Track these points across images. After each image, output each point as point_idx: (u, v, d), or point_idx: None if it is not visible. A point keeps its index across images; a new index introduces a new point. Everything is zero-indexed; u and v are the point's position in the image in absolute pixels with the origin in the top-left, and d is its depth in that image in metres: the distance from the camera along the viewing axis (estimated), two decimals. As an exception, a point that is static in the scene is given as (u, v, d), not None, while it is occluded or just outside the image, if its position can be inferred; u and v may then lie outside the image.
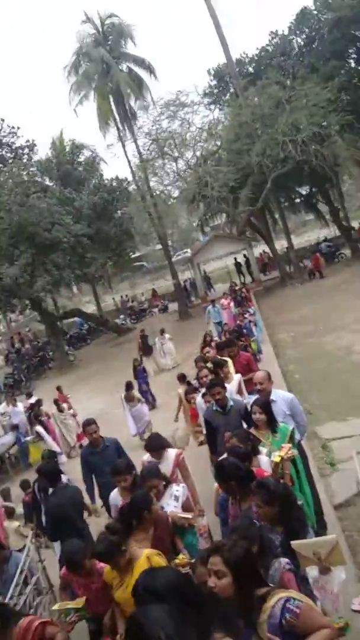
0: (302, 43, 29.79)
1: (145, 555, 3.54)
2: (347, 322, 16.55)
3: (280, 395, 5.51)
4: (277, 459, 4.22)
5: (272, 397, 5.32)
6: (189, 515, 4.42)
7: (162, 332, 19.39)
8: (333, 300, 20.75)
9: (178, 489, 4.62)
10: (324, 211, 35.67)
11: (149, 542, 3.95)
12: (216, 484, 4.40)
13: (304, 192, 34.11)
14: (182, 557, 3.76)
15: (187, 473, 5.27)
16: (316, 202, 34.73)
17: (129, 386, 11.98)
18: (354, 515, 5.90)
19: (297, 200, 35.73)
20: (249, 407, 5.47)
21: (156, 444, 5.21)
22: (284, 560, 3.02)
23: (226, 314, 19.06)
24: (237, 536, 2.81)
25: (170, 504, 4.52)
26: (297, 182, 31.35)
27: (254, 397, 5.72)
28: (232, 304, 19.65)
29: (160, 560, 3.55)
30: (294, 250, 30.82)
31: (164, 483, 4.57)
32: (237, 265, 33.90)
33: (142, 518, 3.96)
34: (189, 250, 36.57)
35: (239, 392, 7.20)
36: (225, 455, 4.25)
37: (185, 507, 4.58)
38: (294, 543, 3.22)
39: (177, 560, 3.73)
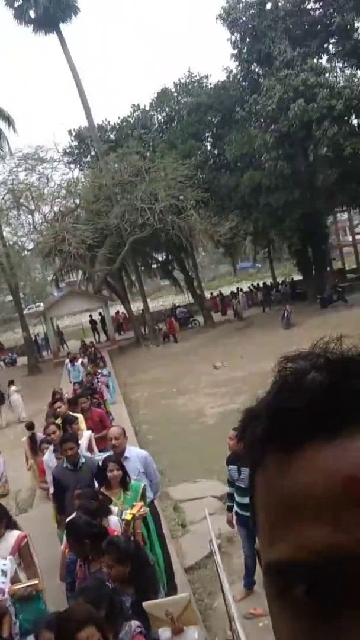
0: (163, 120, 31.74)
1: None
2: (199, 386, 17.03)
3: (134, 453, 5.37)
4: (129, 517, 4.00)
5: (126, 454, 5.16)
6: (34, 582, 3.91)
7: (11, 383, 18.22)
8: (186, 363, 21.32)
9: (5, 563, 3.96)
10: (179, 278, 37.19)
11: None
12: (62, 547, 4.00)
13: (160, 258, 35.34)
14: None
15: (30, 560, 4.27)
16: (172, 269, 36.10)
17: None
18: (205, 577, 5.74)
19: (154, 265, 36.89)
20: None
21: None
22: (134, 623, 2.78)
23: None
24: (85, 598, 2.49)
25: None
26: (154, 248, 32.43)
27: (105, 455, 5.48)
28: (84, 361, 19.13)
29: None
30: (149, 312, 31.45)
31: None
32: (92, 322, 33.67)
33: None
34: (41, 304, 35.62)
35: (89, 449, 6.87)
36: (75, 514, 3.89)
37: (14, 580, 4.02)
38: (146, 604, 3.01)
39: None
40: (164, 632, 3.02)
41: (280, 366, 0.56)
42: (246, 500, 5.21)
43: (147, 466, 5.34)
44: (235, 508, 5.45)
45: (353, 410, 0.47)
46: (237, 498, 5.39)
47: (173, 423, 13.46)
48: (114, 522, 4.18)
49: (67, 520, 3.91)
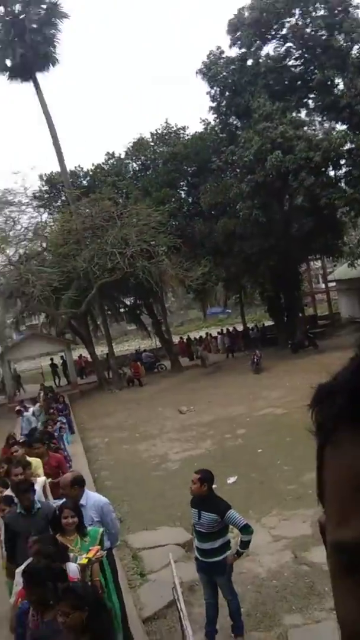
0: (138, 168, 32.26)
1: None
2: (163, 431, 16.75)
3: (91, 501, 5.16)
4: (85, 561, 3.83)
5: (82, 501, 4.98)
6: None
7: None
8: (151, 408, 21.00)
9: None
10: (146, 322, 37.12)
11: None
12: (14, 598, 3.73)
13: (128, 302, 35.33)
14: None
15: None
16: (140, 313, 36.09)
17: None
18: (164, 628, 5.45)
19: (121, 309, 36.82)
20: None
21: None
22: None
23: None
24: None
25: None
26: (122, 291, 32.45)
27: (60, 502, 5.26)
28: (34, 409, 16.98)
29: None
30: (114, 356, 31.13)
31: None
32: (53, 366, 33.05)
33: None
34: (-1, 346, 34.84)
35: (44, 495, 6.57)
36: (33, 559, 3.64)
37: None
38: None
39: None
40: None
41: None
42: (206, 546, 5.04)
43: (104, 515, 5.15)
44: (195, 554, 5.25)
45: None
46: (196, 543, 5.20)
47: (134, 469, 13.12)
48: (72, 570, 3.95)
49: (24, 565, 3.65)
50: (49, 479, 7.27)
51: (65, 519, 4.48)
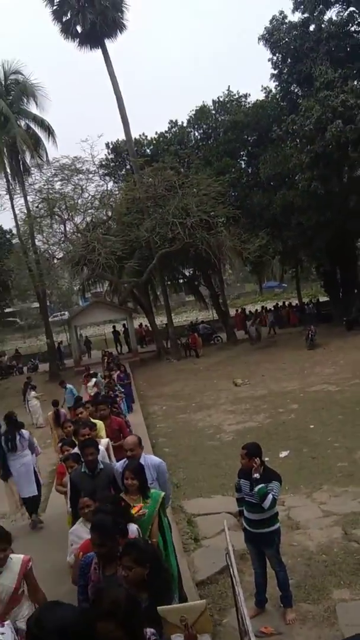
0: (199, 137, 32.02)
1: None
2: (218, 402, 16.98)
3: (148, 460, 5.39)
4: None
5: (141, 461, 5.17)
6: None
7: (32, 389, 18.39)
8: (206, 379, 21.30)
9: (4, 632, 3.52)
10: (204, 294, 37.27)
11: None
12: (75, 549, 4.01)
13: (187, 274, 35.55)
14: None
15: (35, 585, 4.04)
16: (198, 285, 36.28)
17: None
18: (215, 593, 5.70)
19: (180, 280, 37.07)
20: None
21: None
22: (149, 631, 2.76)
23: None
24: (106, 600, 2.50)
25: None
26: (182, 262, 32.66)
27: (119, 463, 5.52)
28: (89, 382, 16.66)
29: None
30: (173, 327, 31.57)
31: None
32: (115, 333, 33.89)
33: None
34: (67, 312, 35.96)
35: (108, 457, 6.89)
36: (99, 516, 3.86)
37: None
38: (161, 609, 3.00)
39: None
40: (177, 638, 3.02)
41: None
42: (256, 516, 5.17)
43: (160, 475, 5.34)
44: (244, 524, 5.40)
45: None
46: (246, 514, 5.33)
47: (190, 437, 13.43)
48: (132, 530, 4.17)
49: (95, 517, 3.88)
50: (111, 442, 7.58)
51: (127, 480, 4.69)
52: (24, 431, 8.86)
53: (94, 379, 16.39)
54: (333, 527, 6.95)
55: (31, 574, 3.95)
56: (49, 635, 2.12)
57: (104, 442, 7.12)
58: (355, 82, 24.05)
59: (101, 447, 6.22)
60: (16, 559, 3.91)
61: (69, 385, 16.63)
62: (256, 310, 37.97)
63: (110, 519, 3.64)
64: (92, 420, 7.97)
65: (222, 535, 6.21)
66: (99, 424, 7.89)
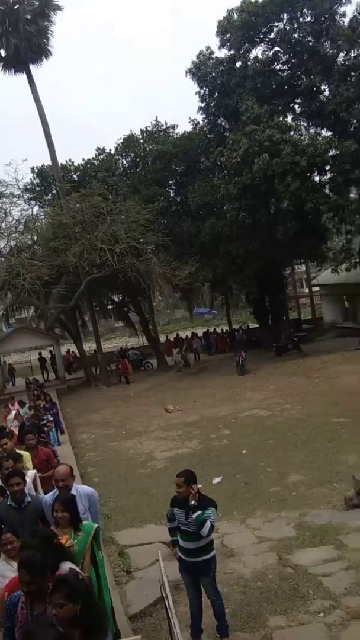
0: (127, 165, 32.14)
1: None
2: (149, 429, 16.79)
3: (80, 489, 5.24)
4: None
5: (72, 491, 4.98)
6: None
7: None
8: (137, 405, 21.07)
9: None
10: (134, 320, 37.09)
11: None
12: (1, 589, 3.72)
13: (116, 299, 35.28)
14: None
15: None
16: (127, 311, 36.08)
17: None
18: (150, 626, 5.49)
19: (109, 306, 36.74)
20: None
21: None
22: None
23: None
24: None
25: None
26: (111, 288, 32.38)
27: (49, 495, 5.31)
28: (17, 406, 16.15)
29: None
30: (102, 353, 31.09)
31: None
32: (42, 360, 32.92)
33: None
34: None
35: (34, 489, 6.56)
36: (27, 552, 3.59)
37: None
38: None
39: None
40: None
41: None
42: (191, 545, 5.06)
43: (92, 505, 5.19)
44: (179, 554, 5.27)
45: None
46: (182, 543, 5.20)
47: (121, 466, 13.17)
48: (64, 569, 3.92)
49: (22, 553, 3.60)
50: (39, 473, 7.25)
51: (57, 512, 4.47)
52: None
53: (13, 412, 15.49)
54: (268, 553, 6.91)
55: None
56: None
57: (30, 473, 6.79)
58: (281, 118, 25.12)
59: (27, 480, 5.91)
60: None
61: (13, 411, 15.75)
62: (186, 336, 38.23)
63: (39, 555, 3.40)
64: (18, 451, 7.59)
65: (155, 566, 6.03)
66: (25, 454, 7.53)
